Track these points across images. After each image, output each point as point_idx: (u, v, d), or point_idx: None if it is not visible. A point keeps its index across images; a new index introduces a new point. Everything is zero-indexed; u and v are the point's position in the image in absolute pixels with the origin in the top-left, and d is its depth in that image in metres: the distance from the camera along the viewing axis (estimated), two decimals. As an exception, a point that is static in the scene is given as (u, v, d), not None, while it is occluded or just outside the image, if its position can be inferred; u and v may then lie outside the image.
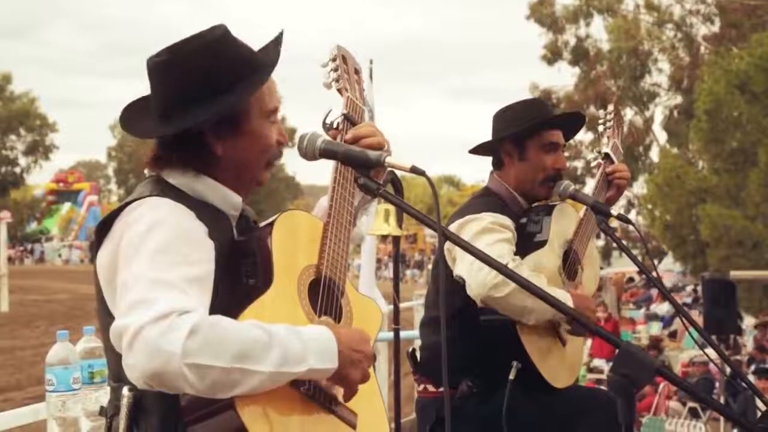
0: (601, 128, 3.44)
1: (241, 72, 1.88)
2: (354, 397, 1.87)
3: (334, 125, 2.17)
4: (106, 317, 1.81)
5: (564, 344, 3.00)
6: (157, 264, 1.68)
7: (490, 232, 2.90)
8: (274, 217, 1.94)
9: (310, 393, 1.80)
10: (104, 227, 1.83)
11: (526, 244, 3.02)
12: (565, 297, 2.84)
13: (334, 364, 1.75)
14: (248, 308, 1.75)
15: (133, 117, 1.98)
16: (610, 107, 3.51)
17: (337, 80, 2.23)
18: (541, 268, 2.94)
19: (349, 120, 2.17)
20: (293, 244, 1.92)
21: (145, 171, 1.97)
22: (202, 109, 1.84)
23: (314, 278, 1.93)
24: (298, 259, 1.92)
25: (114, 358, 1.76)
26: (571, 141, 3.23)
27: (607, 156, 3.29)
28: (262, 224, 2.00)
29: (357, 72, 2.30)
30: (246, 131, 1.91)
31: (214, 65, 1.84)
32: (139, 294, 1.63)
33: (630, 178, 3.29)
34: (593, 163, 3.38)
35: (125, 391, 1.75)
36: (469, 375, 2.90)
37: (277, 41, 1.98)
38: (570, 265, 3.09)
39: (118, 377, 1.79)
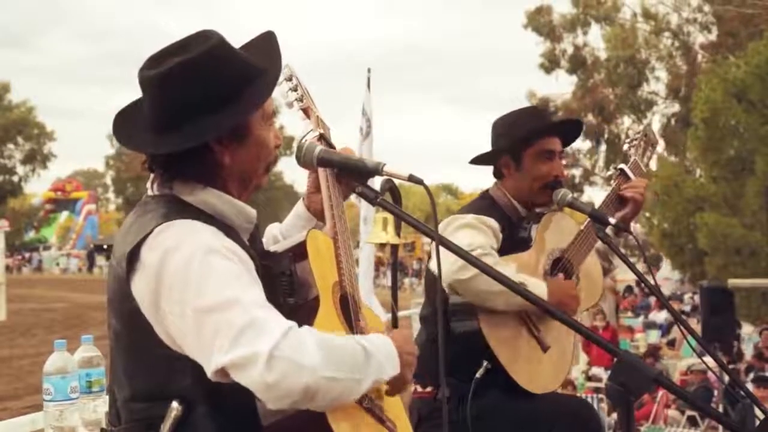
0: (625, 147, 3.37)
1: (245, 78, 1.83)
2: (389, 405, 1.95)
3: None
4: (141, 338, 1.76)
5: (545, 349, 2.99)
6: (233, 286, 1.64)
7: (470, 227, 2.94)
8: (300, 237, 2.00)
9: (368, 405, 1.87)
10: (133, 255, 1.74)
11: (516, 249, 3.03)
12: (537, 285, 2.84)
13: (398, 369, 1.80)
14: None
15: (126, 128, 1.90)
16: (642, 128, 3.44)
17: (300, 100, 2.24)
18: (520, 268, 2.93)
19: (324, 140, 2.19)
20: (322, 262, 1.98)
21: (148, 189, 1.91)
22: (211, 121, 1.79)
23: (341, 295, 1.99)
24: (328, 277, 1.98)
25: (159, 373, 1.72)
26: (569, 149, 3.20)
27: (623, 172, 3.23)
28: (288, 244, 2.03)
29: (306, 91, 2.31)
30: (251, 139, 1.88)
31: (217, 74, 1.79)
32: (240, 319, 1.59)
33: (644, 194, 3.14)
34: (612, 181, 3.27)
35: (175, 404, 1.71)
36: (448, 378, 2.90)
37: (270, 41, 1.95)
38: (559, 272, 3.09)
39: (151, 395, 1.75)
